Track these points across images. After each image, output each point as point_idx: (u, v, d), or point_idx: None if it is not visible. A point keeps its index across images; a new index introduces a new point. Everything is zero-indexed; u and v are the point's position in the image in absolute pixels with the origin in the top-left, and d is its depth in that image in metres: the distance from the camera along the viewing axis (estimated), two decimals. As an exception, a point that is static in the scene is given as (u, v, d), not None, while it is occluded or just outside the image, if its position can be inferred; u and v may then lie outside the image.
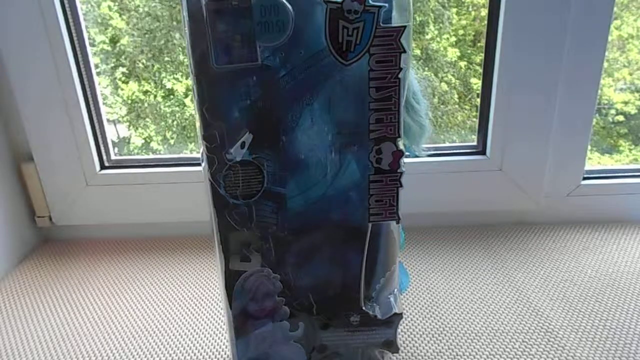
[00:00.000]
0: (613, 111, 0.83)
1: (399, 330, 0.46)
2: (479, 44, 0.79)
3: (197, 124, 0.39)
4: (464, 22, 0.79)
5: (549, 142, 0.70)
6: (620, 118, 0.84)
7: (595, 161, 0.84)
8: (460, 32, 0.79)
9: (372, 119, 0.38)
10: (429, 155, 0.65)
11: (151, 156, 0.83)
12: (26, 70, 0.67)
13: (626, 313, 0.56)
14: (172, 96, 0.83)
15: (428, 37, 0.76)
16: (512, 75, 0.67)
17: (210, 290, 0.64)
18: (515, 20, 0.64)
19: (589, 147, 0.71)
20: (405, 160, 0.40)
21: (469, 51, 0.80)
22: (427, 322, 0.56)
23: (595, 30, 0.65)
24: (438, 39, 0.78)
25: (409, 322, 0.56)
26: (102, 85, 0.77)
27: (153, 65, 0.80)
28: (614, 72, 0.80)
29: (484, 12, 0.71)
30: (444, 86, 0.79)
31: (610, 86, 0.80)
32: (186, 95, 0.82)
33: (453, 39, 0.79)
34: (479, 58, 0.71)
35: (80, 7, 0.68)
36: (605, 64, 0.67)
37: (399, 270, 0.47)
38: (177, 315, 0.59)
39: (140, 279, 0.67)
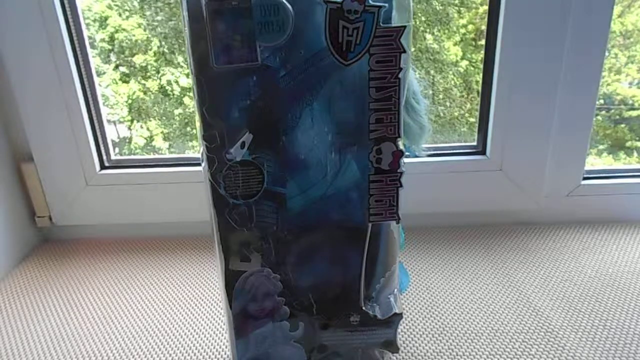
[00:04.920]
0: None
1: (399, 330, 0.46)
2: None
3: (197, 124, 0.39)
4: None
5: (549, 142, 0.70)
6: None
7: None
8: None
9: (372, 119, 0.38)
10: (429, 155, 0.65)
11: (151, 156, 0.83)
12: (26, 70, 0.67)
13: (626, 313, 0.56)
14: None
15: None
16: (512, 75, 0.67)
17: (210, 290, 0.64)
18: (515, 20, 0.64)
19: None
20: (405, 160, 0.40)
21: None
22: (427, 322, 0.56)
23: (595, 30, 0.65)
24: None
25: (409, 322, 0.56)
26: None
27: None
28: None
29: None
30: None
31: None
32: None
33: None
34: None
35: (80, 7, 0.68)
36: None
37: (399, 270, 0.47)
38: (177, 315, 0.59)
39: (140, 279, 0.67)
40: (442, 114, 0.82)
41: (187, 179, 0.73)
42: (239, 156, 0.39)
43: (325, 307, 0.45)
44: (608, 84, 0.83)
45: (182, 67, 0.82)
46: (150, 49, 0.81)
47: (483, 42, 0.69)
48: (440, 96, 0.82)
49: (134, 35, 0.80)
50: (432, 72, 0.81)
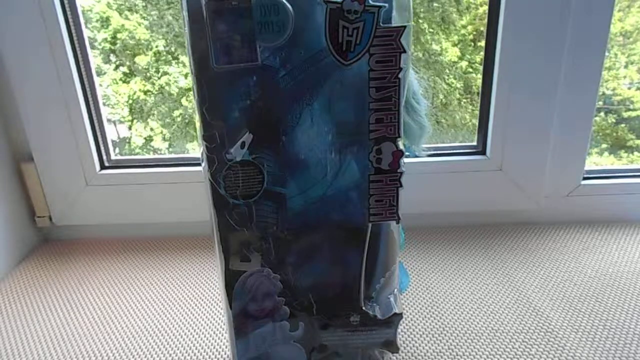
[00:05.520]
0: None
1: (399, 330, 0.46)
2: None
3: (197, 124, 0.39)
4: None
5: (549, 142, 0.70)
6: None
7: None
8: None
9: (372, 119, 0.38)
10: (429, 155, 0.65)
11: (151, 156, 0.83)
12: (26, 70, 0.67)
13: (626, 313, 0.56)
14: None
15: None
16: (512, 75, 0.67)
17: (210, 290, 0.64)
18: (515, 20, 0.64)
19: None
20: (405, 160, 0.40)
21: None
22: (427, 322, 0.56)
23: (595, 30, 0.65)
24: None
25: (409, 322, 0.56)
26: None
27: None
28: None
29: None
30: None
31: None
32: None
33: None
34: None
35: (80, 7, 0.68)
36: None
37: (399, 270, 0.47)
38: (177, 315, 0.59)
39: (140, 279, 0.67)
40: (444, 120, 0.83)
41: (187, 179, 0.73)
42: (239, 156, 0.39)
43: (325, 307, 0.45)
44: (607, 82, 0.83)
45: (182, 68, 0.82)
46: (151, 49, 0.81)
47: (481, 43, 0.69)
48: (441, 99, 0.82)
49: (136, 34, 0.80)
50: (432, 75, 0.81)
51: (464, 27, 0.79)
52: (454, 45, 0.81)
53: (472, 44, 0.81)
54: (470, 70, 0.82)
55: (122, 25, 0.79)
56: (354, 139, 0.39)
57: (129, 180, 0.74)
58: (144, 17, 0.79)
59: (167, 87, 0.83)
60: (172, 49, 0.80)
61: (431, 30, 0.78)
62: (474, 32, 0.80)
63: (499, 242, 0.72)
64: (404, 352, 0.52)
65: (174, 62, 0.81)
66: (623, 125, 0.86)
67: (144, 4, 0.78)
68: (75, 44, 0.68)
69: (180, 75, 0.83)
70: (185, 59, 0.81)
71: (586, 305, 0.57)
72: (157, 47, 0.81)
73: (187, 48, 0.37)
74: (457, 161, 0.73)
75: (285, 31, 0.36)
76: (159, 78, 0.83)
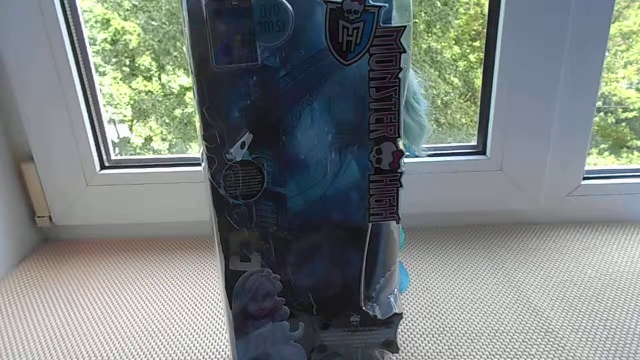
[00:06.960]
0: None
1: (399, 330, 0.46)
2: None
3: (197, 124, 0.39)
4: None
5: (549, 142, 0.70)
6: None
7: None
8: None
9: (372, 119, 0.38)
10: (429, 155, 0.65)
11: (151, 156, 0.83)
12: (26, 70, 0.67)
13: (626, 313, 0.56)
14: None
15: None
16: (512, 75, 0.67)
17: (210, 290, 0.64)
18: (515, 20, 0.64)
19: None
20: (405, 160, 0.40)
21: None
22: (427, 322, 0.56)
23: (595, 30, 0.65)
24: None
25: (409, 322, 0.56)
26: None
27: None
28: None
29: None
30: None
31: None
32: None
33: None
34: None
35: (80, 7, 0.68)
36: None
37: (399, 270, 0.47)
38: (177, 315, 0.59)
39: (140, 279, 0.67)
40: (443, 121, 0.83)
41: (187, 179, 0.73)
42: (239, 156, 0.39)
43: (325, 307, 0.45)
44: (606, 83, 0.83)
45: (174, 73, 0.82)
46: (149, 49, 0.81)
47: (477, 43, 0.69)
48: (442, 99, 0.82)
49: (132, 36, 0.80)
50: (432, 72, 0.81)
51: (459, 27, 0.80)
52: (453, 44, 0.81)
53: (471, 42, 0.81)
54: (467, 71, 0.82)
55: (123, 27, 0.79)
56: (354, 139, 0.39)
57: (129, 180, 0.74)
58: (140, 19, 0.79)
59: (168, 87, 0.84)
60: (165, 49, 0.80)
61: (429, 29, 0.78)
62: (472, 32, 0.80)
63: (499, 242, 0.72)
64: (404, 352, 0.52)
65: (160, 72, 0.82)
66: (623, 125, 0.86)
67: (137, 3, 0.78)
68: (75, 44, 0.68)
69: (170, 82, 0.83)
70: (169, 69, 0.81)
71: (586, 305, 0.57)
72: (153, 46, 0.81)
73: (187, 48, 0.37)
74: (457, 161, 0.73)
75: (285, 31, 0.36)
76: (159, 78, 0.83)
